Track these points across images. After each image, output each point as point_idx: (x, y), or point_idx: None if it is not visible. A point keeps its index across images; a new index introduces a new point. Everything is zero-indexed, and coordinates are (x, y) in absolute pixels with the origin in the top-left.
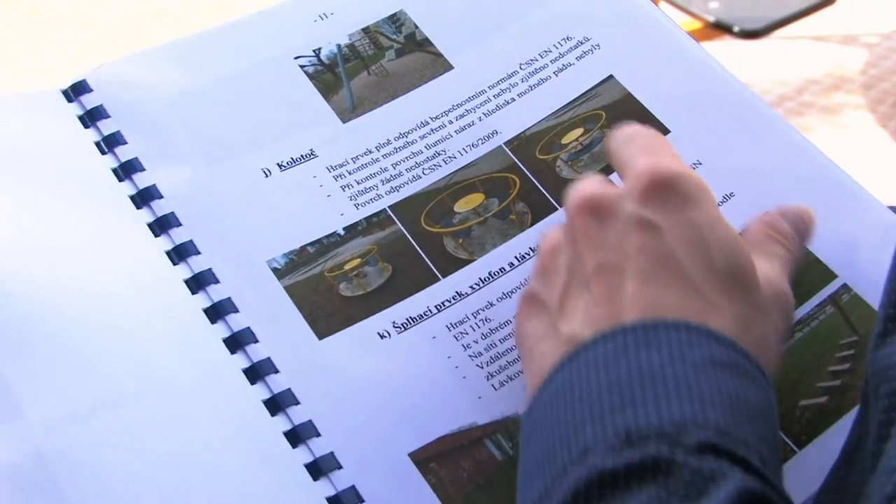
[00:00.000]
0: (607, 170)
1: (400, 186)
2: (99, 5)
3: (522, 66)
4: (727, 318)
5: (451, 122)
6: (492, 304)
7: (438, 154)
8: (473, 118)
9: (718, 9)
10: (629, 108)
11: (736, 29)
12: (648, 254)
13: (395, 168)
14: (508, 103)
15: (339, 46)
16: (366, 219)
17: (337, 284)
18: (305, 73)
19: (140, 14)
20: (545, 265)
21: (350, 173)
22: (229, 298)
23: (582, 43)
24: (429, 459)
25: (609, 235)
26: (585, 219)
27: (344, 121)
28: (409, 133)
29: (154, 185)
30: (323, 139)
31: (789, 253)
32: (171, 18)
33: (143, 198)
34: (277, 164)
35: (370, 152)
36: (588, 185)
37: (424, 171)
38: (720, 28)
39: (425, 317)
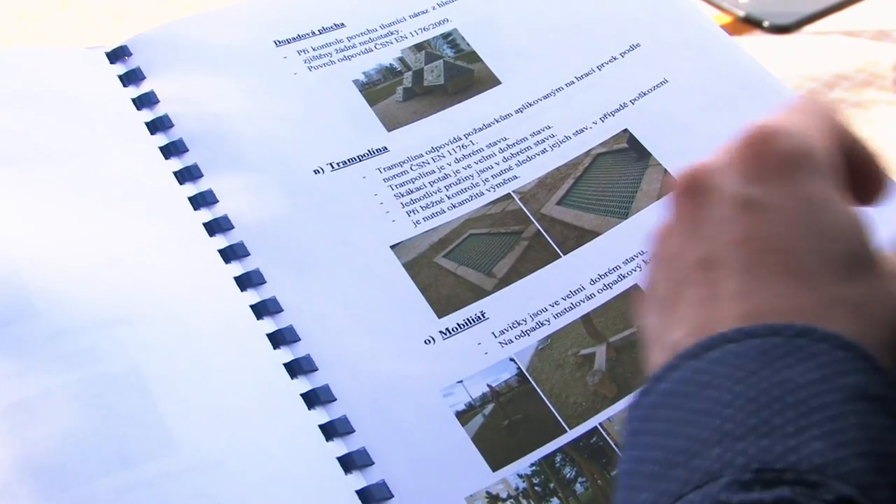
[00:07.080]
0: None
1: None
2: None
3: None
4: (848, 312)
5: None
6: None
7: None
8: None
9: (748, 3)
10: None
11: (766, 24)
12: (753, 241)
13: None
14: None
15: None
16: None
17: None
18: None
19: (171, 8)
20: (656, 251)
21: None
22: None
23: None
24: None
25: (709, 223)
26: (685, 202)
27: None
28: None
29: (181, 139)
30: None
31: None
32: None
33: (171, 150)
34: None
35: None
36: (697, 163)
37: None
38: (750, 23)
39: None
